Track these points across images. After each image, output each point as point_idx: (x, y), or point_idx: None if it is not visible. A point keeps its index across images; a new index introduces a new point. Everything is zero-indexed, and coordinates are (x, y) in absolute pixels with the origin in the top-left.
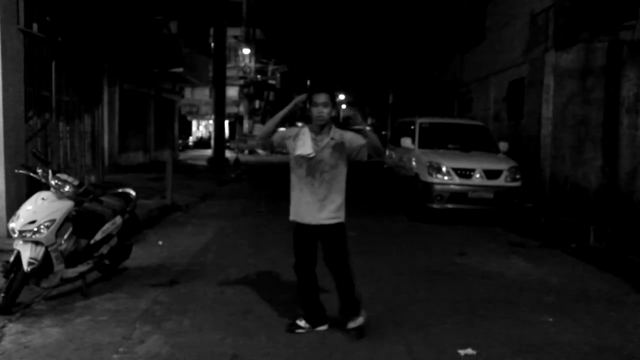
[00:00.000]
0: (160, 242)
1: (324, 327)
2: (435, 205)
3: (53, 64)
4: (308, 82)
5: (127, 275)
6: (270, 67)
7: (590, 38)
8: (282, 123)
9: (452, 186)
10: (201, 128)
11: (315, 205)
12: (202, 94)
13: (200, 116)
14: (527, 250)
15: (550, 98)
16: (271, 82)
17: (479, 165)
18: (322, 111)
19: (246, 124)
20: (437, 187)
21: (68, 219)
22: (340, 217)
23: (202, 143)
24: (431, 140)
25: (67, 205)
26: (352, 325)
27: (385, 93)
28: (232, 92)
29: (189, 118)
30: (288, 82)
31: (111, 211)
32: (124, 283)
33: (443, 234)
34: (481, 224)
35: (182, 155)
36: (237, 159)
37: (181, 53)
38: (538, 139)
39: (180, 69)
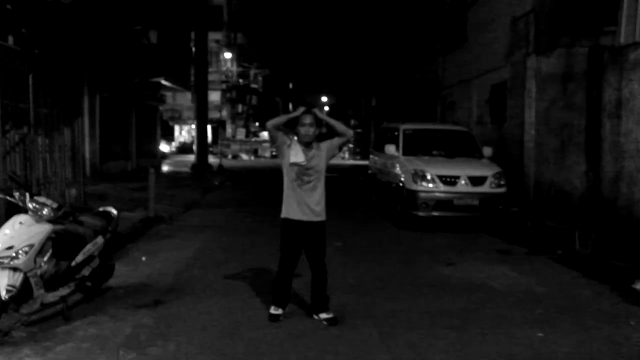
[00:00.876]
0: (143, 258)
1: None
2: (420, 213)
3: (30, 76)
4: (290, 85)
5: (110, 295)
6: (253, 71)
7: (571, 43)
8: (286, 124)
9: (437, 194)
10: (184, 133)
11: (306, 205)
12: (184, 99)
13: (182, 121)
14: (514, 258)
15: (533, 102)
16: (253, 86)
17: (463, 172)
18: (308, 130)
19: (229, 129)
20: (422, 194)
21: (48, 240)
22: (324, 216)
23: (185, 148)
24: (415, 146)
25: (45, 229)
26: (324, 316)
27: (367, 95)
28: (214, 96)
29: (171, 123)
30: (271, 85)
31: (92, 232)
32: (106, 304)
33: (429, 242)
34: (467, 230)
35: (166, 161)
36: (220, 165)
37: (160, 63)
38: (521, 143)
39: (161, 79)
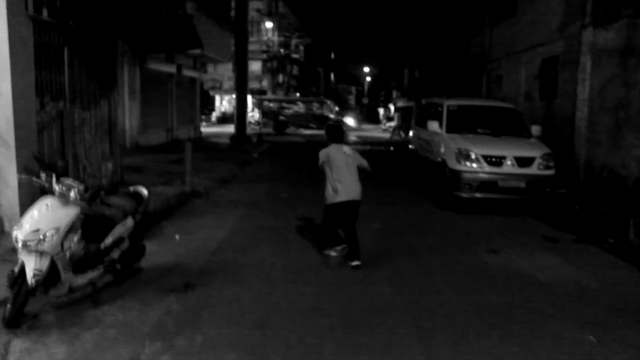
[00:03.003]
0: (177, 237)
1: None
2: (463, 194)
3: (65, 50)
4: (332, 55)
5: (141, 277)
6: (294, 41)
7: (634, 14)
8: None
9: (482, 174)
10: (224, 103)
11: (353, 187)
12: (225, 69)
13: (223, 91)
14: (561, 246)
15: (587, 78)
16: (295, 56)
17: (510, 152)
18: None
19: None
20: (466, 175)
21: (77, 222)
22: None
23: (225, 119)
24: (459, 124)
25: (73, 211)
26: (354, 263)
27: (411, 67)
28: (255, 66)
29: (211, 93)
30: (312, 55)
31: (122, 213)
32: (136, 288)
33: (472, 225)
34: (511, 213)
35: (206, 131)
36: (260, 136)
37: (197, 34)
38: (573, 122)
39: (198, 51)
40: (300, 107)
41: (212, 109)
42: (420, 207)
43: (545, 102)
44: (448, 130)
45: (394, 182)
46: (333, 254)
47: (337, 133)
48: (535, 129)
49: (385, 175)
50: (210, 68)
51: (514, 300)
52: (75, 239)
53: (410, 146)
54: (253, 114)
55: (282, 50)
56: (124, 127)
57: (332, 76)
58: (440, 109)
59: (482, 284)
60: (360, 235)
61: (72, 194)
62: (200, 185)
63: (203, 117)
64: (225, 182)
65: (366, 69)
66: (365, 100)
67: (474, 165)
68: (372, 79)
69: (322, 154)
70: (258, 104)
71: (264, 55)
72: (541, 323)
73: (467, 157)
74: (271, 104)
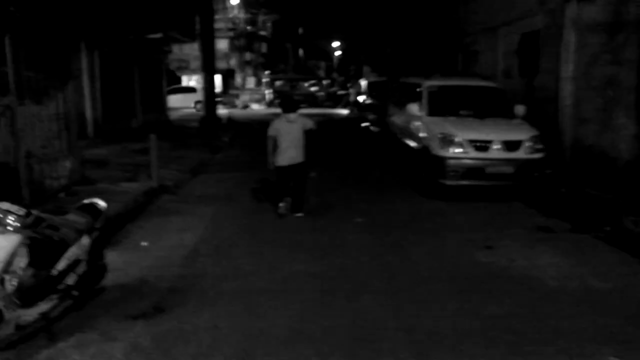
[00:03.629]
0: (143, 244)
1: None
2: (448, 182)
3: (6, 38)
4: (300, 31)
5: (103, 300)
6: (261, 17)
7: None
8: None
9: (468, 160)
10: (192, 83)
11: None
12: (192, 49)
13: (190, 71)
14: (557, 238)
15: (571, 55)
16: (262, 32)
17: (497, 136)
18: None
19: (238, 78)
20: (451, 161)
21: (22, 248)
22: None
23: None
24: (441, 106)
25: (13, 240)
26: (297, 214)
27: (383, 41)
28: (222, 45)
29: (178, 74)
30: (280, 31)
31: (75, 232)
32: (97, 314)
33: (460, 215)
34: (498, 199)
35: (174, 114)
36: (230, 118)
37: (161, 15)
38: (556, 100)
39: (159, 35)
40: (311, 87)
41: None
42: (403, 197)
43: (526, 79)
44: (429, 113)
45: (373, 168)
46: (281, 205)
47: (289, 104)
48: (520, 109)
49: (364, 160)
50: (176, 48)
51: (518, 310)
52: (22, 264)
53: (389, 128)
54: (268, 93)
55: (249, 27)
56: (85, 117)
57: (300, 52)
58: (419, 89)
59: (481, 291)
60: (342, 233)
61: (10, 220)
62: (168, 179)
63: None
64: (195, 173)
65: (335, 44)
66: (335, 76)
67: (459, 150)
68: (341, 53)
69: (271, 129)
70: (270, 84)
71: (231, 33)
72: (553, 339)
73: (452, 143)
74: (280, 83)
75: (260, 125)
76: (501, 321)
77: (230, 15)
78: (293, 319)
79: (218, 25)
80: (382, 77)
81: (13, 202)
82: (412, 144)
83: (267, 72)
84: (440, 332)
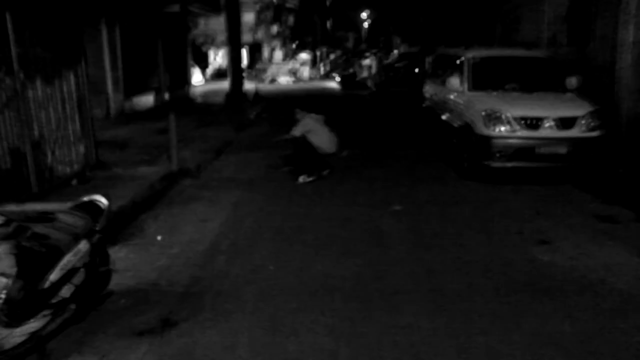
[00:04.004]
0: (159, 238)
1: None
2: (494, 164)
3: (7, 14)
4: (327, 3)
5: (107, 309)
6: None
7: None
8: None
9: (517, 140)
10: (218, 58)
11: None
12: (218, 22)
13: (216, 46)
14: (623, 230)
15: (632, 19)
16: (289, 5)
17: (549, 112)
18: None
19: (265, 51)
20: (498, 141)
21: (8, 257)
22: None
23: (220, 74)
24: (485, 79)
25: None
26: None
27: (415, 11)
28: (248, 17)
29: (204, 49)
30: (308, 3)
31: (70, 237)
32: (98, 329)
33: (508, 202)
34: (549, 182)
35: (200, 90)
36: (256, 93)
37: None
38: (612, 71)
39: (176, 8)
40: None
41: (206, 65)
42: (443, 180)
43: (575, 47)
44: (472, 88)
45: (409, 147)
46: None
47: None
48: (572, 81)
49: (399, 137)
50: (201, 23)
51: (593, 327)
52: (7, 281)
53: (423, 103)
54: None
55: None
56: (108, 95)
57: (328, 24)
58: (459, 62)
59: (544, 301)
60: (376, 223)
61: None
62: (189, 160)
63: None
64: (218, 153)
65: (364, 15)
66: (364, 47)
67: (507, 129)
68: (370, 24)
69: (300, 128)
70: (325, 56)
71: (257, 6)
72: None
73: (498, 120)
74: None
75: (287, 98)
76: (578, 345)
77: None
78: (323, 338)
79: None
80: (413, 47)
81: (20, 190)
82: (452, 121)
83: (324, 49)
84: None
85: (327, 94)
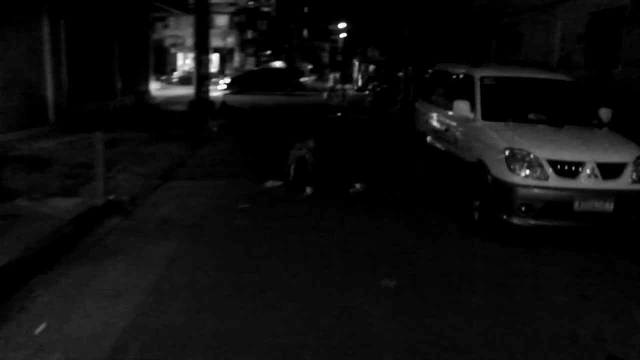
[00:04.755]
0: (39, 329)
1: None
2: (517, 221)
3: None
4: (306, 9)
5: None
6: None
7: None
8: None
9: (549, 191)
10: (188, 62)
11: None
12: (188, 24)
13: (186, 49)
14: None
15: None
16: (265, 9)
17: (589, 155)
18: None
19: (237, 58)
20: (523, 191)
21: None
22: None
23: (189, 79)
24: (501, 106)
25: None
26: None
27: (397, 22)
28: (221, 21)
29: (173, 51)
30: (284, 8)
31: None
32: None
33: (535, 276)
34: (576, 242)
35: (163, 95)
36: (224, 102)
37: None
38: None
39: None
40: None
41: (174, 69)
42: (446, 238)
43: (596, 70)
44: (485, 116)
45: (401, 184)
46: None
47: None
48: (605, 113)
49: (385, 170)
50: (172, 23)
51: None
52: None
53: (417, 128)
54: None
55: (251, 2)
56: (46, 99)
57: (305, 32)
58: (467, 82)
59: None
60: (362, 315)
61: None
62: (126, 187)
63: (164, 77)
64: (166, 178)
65: (342, 25)
66: (339, 58)
67: (536, 175)
68: (347, 35)
69: None
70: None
71: (232, 9)
72: None
73: (525, 163)
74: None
75: (257, 110)
76: None
77: None
78: None
79: None
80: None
81: None
82: (457, 155)
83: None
84: None
85: (303, 104)
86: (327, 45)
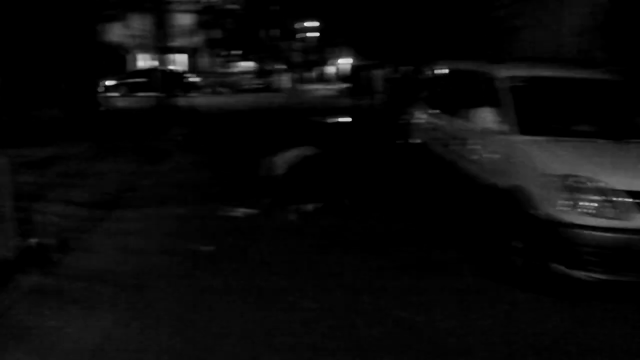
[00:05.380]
0: None
1: None
2: (581, 275)
3: None
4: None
5: None
6: None
7: None
8: None
9: (633, 236)
10: (151, 63)
11: None
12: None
13: (150, 49)
14: None
15: None
16: (232, 6)
17: None
18: None
19: (205, 59)
20: (593, 235)
21: None
22: None
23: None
24: (539, 115)
25: None
26: None
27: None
28: (185, 20)
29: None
30: (253, 6)
31: None
32: None
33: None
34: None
35: (122, 102)
36: (192, 107)
37: None
38: None
39: None
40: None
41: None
42: (479, 294)
43: (622, 67)
44: (523, 130)
45: (404, 217)
46: None
47: None
48: None
49: (387, 196)
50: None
51: None
52: None
53: (413, 138)
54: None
55: None
56: None
57: (274, 32)
58: (486, 84)
59: None
60: None
61: None
62: (55, 226)
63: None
64: (112, 205)
65: (313, 24)
66: (311, 58)
67: (611, 212)
68: (319, 34)
69: None
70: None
71: (197, 6)
72: None
73: (594, 195)
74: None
75: (225, 115)
76: None
77: None
78: None
79: None
80: (367, 60)
81: None
82: (484, 178)
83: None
84: None
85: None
86: (298, 45)
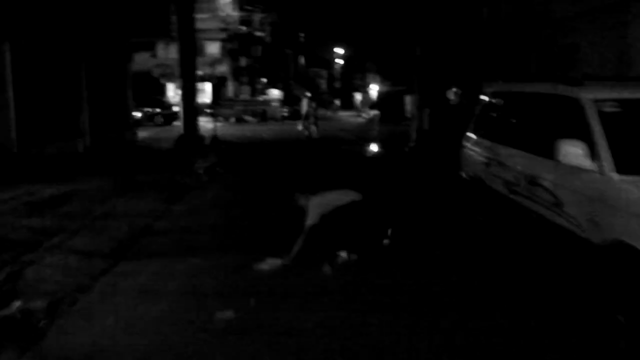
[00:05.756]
0: None
1: None
2: None
3: None
4: (302, 35)
5: None
6: (257, 17)
7: None
8: None
9: None
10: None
11: None
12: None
13: (176, 78)
14: None
15: None
16: (259, 34)
17: None
18: None
19: (231, 87)
20: None
21: None
22: None
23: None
24: (634, 147)
25: None
26: None
27: (406, 42)
28: (212, 48)
29: (162, 81)
30: (279, 34)
31: None
32: None
33: None
34: None
35: (148, 133)
36: (215, 137)
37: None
38: None
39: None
40: None
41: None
42: None
43: None
44: (622, 168)
45: (443, 256)
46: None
47: None
48: None
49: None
50: (160, 50)
51: None
52: None
53: (465, 172)
54: None
55: (243, 28)
56: None
57: (301, 59)
58: (565, 109)
59: None
60: None
61: None
62: (49, 283)
63: (141, 113)
64: (119, 255)
65: (339, 51)
66: (338, 85)
67: None
68: (345, 61)
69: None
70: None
71: (223, 34)
72: None
73: None
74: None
75: (252, 145)
76: None
77: (222, 14)
78: None
79: (208, 24)
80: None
81: None
82: (568, 229)
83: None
84: None
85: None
86: (324, 72)
